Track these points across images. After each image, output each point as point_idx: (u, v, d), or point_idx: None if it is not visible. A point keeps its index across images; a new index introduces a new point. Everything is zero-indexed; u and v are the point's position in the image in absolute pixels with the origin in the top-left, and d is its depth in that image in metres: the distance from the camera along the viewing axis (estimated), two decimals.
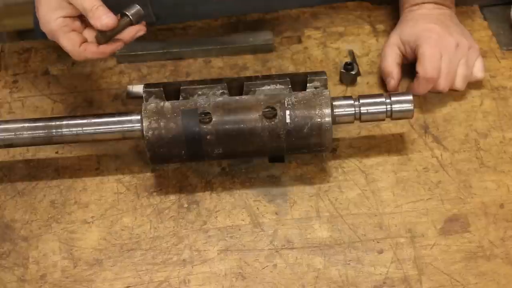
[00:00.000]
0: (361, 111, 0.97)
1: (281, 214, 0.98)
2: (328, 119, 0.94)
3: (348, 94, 1.10)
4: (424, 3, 1.11)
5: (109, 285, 0.93)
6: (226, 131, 0.94)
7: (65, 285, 0.93)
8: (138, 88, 1.11)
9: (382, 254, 0.93)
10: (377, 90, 1.10)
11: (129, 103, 1.11)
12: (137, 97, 1.10)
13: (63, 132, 0.97)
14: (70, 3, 0.93)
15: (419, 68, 1.04)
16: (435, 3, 1.11)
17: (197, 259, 0.94)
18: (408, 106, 0.97)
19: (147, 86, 0.98)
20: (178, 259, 0.94)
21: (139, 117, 0.97)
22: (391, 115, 0.98)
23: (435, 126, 1.06)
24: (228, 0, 1.20)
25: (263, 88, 0.98)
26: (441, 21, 1.08)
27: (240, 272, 0.93)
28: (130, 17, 0.94)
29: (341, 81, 1.12)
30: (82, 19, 0.96)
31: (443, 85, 1.04)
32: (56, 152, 1.05)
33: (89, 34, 0.96)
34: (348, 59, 1.13)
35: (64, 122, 0.97)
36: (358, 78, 1.12)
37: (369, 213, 0.97)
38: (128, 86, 1.12)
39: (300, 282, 0.92)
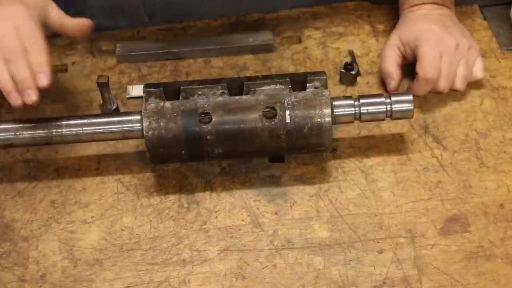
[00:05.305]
0: (361, 111, 0.97)
1: (281, 214, 0.98)
2: (328, 119, 0.94)
3: (348, 94, 1.10)
4: (423, 3, 1.10)
5: (109, 285, 0.93)
6: (226, 131, 0.94)
7: (65, 285, 0.93)
8: (138, 88, 1.11)
9: (382, 254, 0.93)
10: (377, 90, 1.10)
11: (129, 103, 1.11)
12: (137, 97, 1.10)
13: (63, 132, 0.97)
14: None
15: (419, 68, 1.04)
16: (435, 3, 1.10)
17: (197, 259, 0.94)
18: (408, 106, 0.97)
19: (147, 86, 0.98)
20: (178, 259, 0.94)
21: (139, 117, 0.97)
22: (391, 115, 0.98)
23: (435, 126, 1.06)
24: (220, 0, 1.20)
25: (263, 88, 0.98)
26: (440, 21, 1.08)
27: (240, 272, 0.93)
28: None
29: (341, 81, 1.12)
30: None
31: (443, 85, 1.04)
32: (56, 152, 1.05)
33: None
34: (348, 59, 1.13)
35: (64, 122, 0.97)
36: (358, 78, 1.12)
37: (369, 213, 0.97)
38: (128, 86, 1.12)
39: (300, 282, 0.92)
